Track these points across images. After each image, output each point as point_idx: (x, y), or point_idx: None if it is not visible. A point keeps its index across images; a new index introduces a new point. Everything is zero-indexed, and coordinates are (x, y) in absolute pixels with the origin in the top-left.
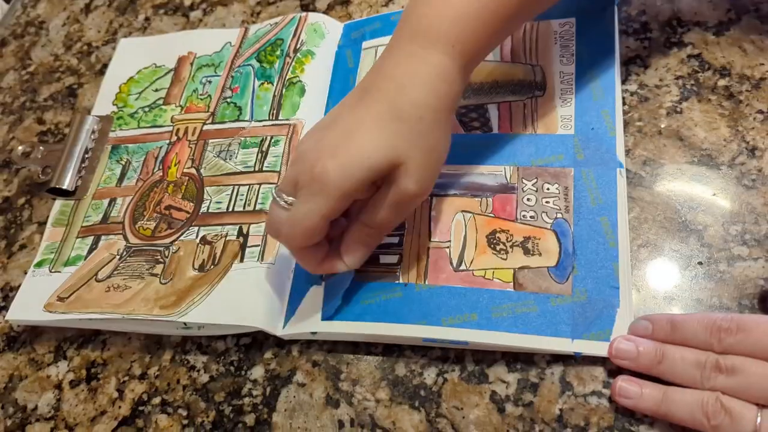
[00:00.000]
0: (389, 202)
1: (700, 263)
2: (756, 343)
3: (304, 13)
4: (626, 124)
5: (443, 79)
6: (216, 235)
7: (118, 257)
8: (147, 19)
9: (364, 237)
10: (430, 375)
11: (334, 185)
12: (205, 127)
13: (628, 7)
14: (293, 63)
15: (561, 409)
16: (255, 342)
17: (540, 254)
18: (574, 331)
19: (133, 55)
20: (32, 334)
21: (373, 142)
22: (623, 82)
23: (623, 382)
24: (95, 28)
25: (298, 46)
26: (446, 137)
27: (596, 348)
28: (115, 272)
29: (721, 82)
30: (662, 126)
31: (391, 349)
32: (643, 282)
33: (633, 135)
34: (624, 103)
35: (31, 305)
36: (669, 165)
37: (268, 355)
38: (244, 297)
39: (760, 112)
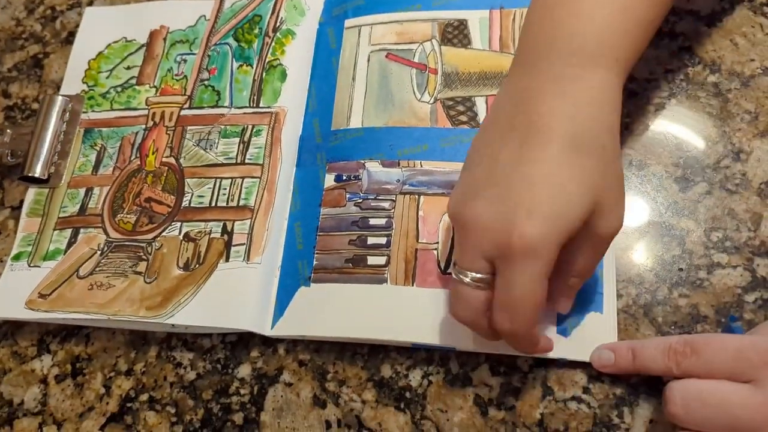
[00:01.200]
0: (592, 245)
1: (680, 269)
2: (707, 363)
3: None
4: None
5: (611, 99)
6: (199, 232)
7: (99, 252)
8: None
9: (570, 288)
10: (415, 377)
11: (544, 247)
12: (183, 112)
13: None
14: (273, 43)
15: (542, 414)
16: (241, 339)
17: None
18: (561, 332)
19: (102, 27)
20: (14, 326)
21: (568, 187)
22: None
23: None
24: None
25: (278, 24)
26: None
27: (579, 353)
28: (97, 269)
29: (711, 79)
30: (650, 124)
31: (376, 350)
32: (625, 288)
33: (621, 132)
34: None
35: (11, 301)
36: (655, 166)
37: (254, 353)
38: (231, 298)
39: (748, 112)
